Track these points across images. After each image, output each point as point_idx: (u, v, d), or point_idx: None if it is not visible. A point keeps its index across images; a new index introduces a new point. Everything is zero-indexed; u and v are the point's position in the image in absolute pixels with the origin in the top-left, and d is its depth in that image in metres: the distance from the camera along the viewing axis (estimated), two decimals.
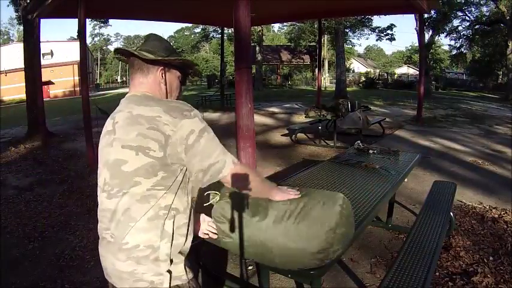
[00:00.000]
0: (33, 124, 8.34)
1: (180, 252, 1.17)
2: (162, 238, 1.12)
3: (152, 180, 1.10)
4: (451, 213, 2.92)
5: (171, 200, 1.14)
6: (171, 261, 1.14)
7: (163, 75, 1.24)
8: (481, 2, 21.99)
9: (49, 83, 28.77)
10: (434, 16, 19.22)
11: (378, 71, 46.77)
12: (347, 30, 23.36)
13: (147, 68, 1.23)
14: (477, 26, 23.56)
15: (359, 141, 3.43)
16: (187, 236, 1.20)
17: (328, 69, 34.26)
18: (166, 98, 1.24)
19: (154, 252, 1.10)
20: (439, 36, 25.28)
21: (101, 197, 1.17)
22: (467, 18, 23.06)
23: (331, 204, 1.35)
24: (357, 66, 47.85)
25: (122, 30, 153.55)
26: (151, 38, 1.28)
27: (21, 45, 9.20)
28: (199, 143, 1.12)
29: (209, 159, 1.13)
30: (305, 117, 7.64)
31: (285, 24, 37.28)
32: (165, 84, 1.24)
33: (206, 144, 1.13)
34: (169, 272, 1.12)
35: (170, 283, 1.12)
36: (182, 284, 1.15)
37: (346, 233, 1.37)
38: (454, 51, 27.80)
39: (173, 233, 1.14)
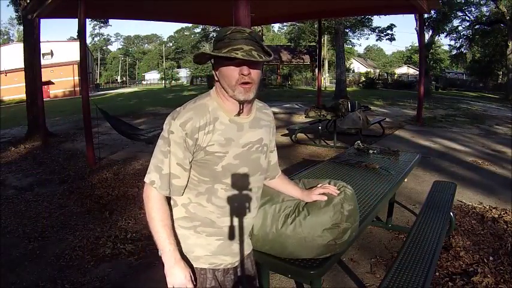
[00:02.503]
0: (33, 124, 8.34)
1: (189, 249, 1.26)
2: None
3: None
4: (451, 213, 2.92)
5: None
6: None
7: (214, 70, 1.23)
8: (481, 2, 22.01)
9: (49, 83, 28.78)
10: (434, 16, 19.20)
11: (378, 71, 46.82)
12: (347, 30, 23.34)
13: None
14: (477, 26, 23.57)
15: (359, 141, 3.43)
16: (193, 234, 1.25)
17: (328, 69, 34.27)
18: (226, 91, 1.17)
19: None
20: (439, 36, 25.29)
21: None
22: (467, 18, 23.09)
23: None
24: (357, 66, 47.85)
25: (122, 30, 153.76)
26: None
27: (21, 45, 9.20)
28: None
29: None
30: (305, 117, 7.65)
31: (285, 24, 37.36)
32: (217, 80, 1.21)
33: (155, 148, 1.21)
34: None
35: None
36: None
37: (353, 212, 1.39)
38: (454, 51, 27.81)
39: (174, 219, 1.25)
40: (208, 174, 1.19)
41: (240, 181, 1.23)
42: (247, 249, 1.38)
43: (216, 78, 1.19)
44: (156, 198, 1.18)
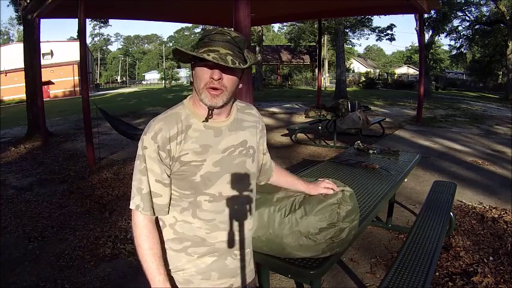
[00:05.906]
0: (33, 124, 8.35)
1: (181, 269, 1.17)
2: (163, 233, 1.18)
3: None
4: (451, 213, 2.92)
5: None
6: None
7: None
8: (481, 2, 22.01)
9: (49, 83, 28.81)
10: (434, 16, 19.20)
11: (378, 71, 46.83)
12: (347, 30, 23.35)
13: None
14: (477, 26, 23.58)
15: (359, 141, 3.43)
16: (184, 256, 1.15)
17: (328, 69, 34.28)
18: (197, 94, 1.12)
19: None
20: (439, 36, 25.28)
21: None
22: (467, 18, 23.09)
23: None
24: (357, 66, 47.87)
25: (122, 30, 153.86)
26: None
27: (21, 45, 9.20)
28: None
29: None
30: (305, 117, 7.64)
31: (285, 24, 37.32)
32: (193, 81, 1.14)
33: (134, 169, 1.14)
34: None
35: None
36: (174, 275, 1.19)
37: (351, 212, 1.38)
38: (454, 51, 27.83)
39: (165, 241, 1.17)
40: (188, 187, 1.10)
41: (225, 189, 1.13)
42: (250, 275, 1.24)
43: (192, 79, 1.12)
44: (143, 224, 1.10)
